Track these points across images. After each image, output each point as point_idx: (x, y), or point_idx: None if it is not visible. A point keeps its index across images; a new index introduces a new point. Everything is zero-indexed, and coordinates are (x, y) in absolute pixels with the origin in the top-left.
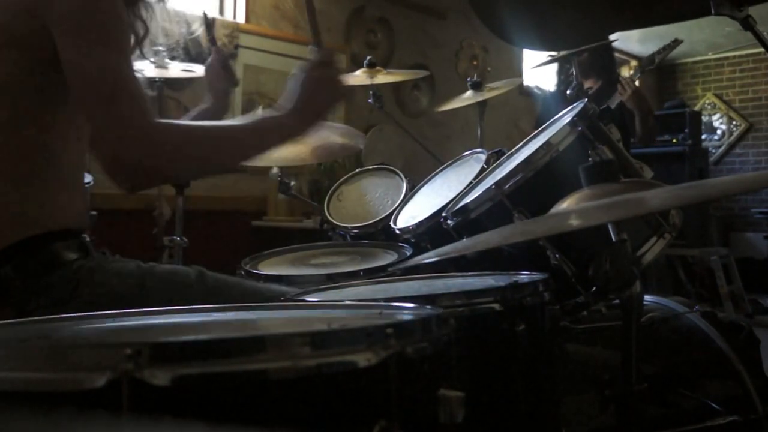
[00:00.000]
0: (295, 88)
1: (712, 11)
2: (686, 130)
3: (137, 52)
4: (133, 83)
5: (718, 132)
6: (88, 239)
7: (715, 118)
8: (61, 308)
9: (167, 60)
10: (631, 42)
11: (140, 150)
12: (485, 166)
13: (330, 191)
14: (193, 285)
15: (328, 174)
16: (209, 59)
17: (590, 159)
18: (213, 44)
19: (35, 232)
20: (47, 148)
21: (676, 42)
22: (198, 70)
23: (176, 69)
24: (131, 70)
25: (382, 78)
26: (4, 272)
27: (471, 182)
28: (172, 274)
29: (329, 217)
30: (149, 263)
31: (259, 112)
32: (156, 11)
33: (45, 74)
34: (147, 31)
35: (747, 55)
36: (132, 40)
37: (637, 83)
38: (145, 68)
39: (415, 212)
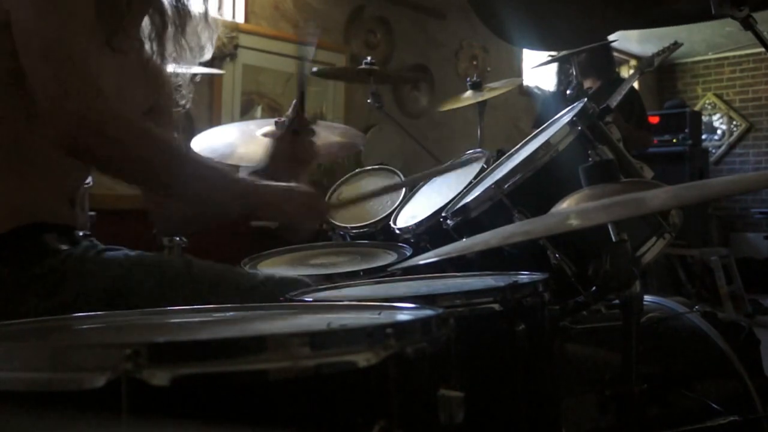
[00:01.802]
0: (294, 189)
1: (712, 11)
2: (686, 130)
3: (159, 49)
4: (87, 62)
5: (719, 132)
6: (80, 234)
7: (715, 118)
8: (50, 299)
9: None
10: (631, 42)
11: (94, 135)
12: (485, 166)
13: (330, 191)
14: (180, 274)
15: (327, 174)
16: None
17: (590, 159)
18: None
19: (24, 223)
20: (34, 140)
21: (676, 45)
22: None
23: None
24: (85, 45)
25: (382, 78)
26: None
27: (471, 182)
28: (158, 263)
29: (329, 218)
30: (137, 252)
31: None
32: (189, 15)
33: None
34: (165, 27)
35: (747, 55)
36: (149, 29)
37: (638, 85)
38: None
39: (414, 212)
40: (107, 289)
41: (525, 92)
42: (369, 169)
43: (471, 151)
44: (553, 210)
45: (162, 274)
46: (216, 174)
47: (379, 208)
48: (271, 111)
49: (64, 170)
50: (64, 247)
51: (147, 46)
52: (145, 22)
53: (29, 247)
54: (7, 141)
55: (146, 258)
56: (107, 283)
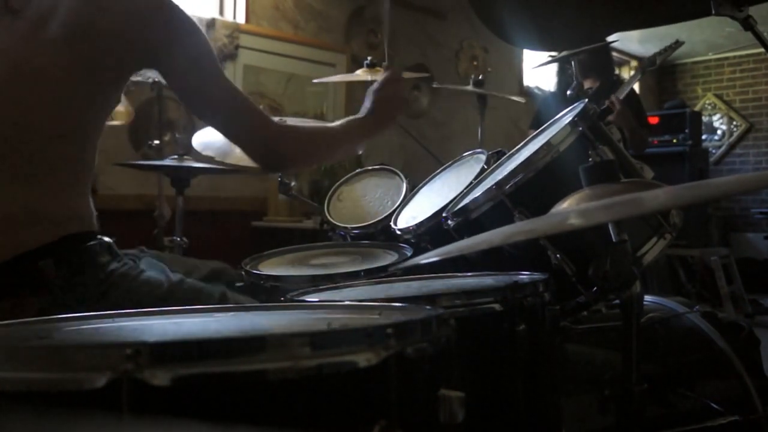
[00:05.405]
0: (370, 100)
1: (713, 11)
2: (686, 131)
3: None
4: (243, 95)
5: (719, 132)
6: (113, 241)
7: (715, 118)
8: (89, 308)
9: None
10: (632, 42)
11: (275, 150)
12: (485, 167)
13: (330, 191)
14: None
15: (328, 174)
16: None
17: (590, 159)
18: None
19: (72, 232)
20: (85, 158)
21: (678, 43)
22: None
23: None
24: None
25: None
26: (45, 264)
27: (471, 182)
28: (197, 292)
29: (329, 218)
30: (178, 276)
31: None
32: None
33: (100, 93)
34: None
35: (747, 56)
36: None
37: (638, 85)
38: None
39: (415, 212)
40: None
41: (525, 92)
42: (370, 169)
43: (471, 152)
44: (554, 210)
45: (200, 299)
46: (347, 136)
47: (379, 209)
48: (272, 111)
49: (90, 177)
50: (108, 258)
51: None
52: None
53: (78, 255)
54: (69, 160)
55: (186, 284)
56: (149, 301)
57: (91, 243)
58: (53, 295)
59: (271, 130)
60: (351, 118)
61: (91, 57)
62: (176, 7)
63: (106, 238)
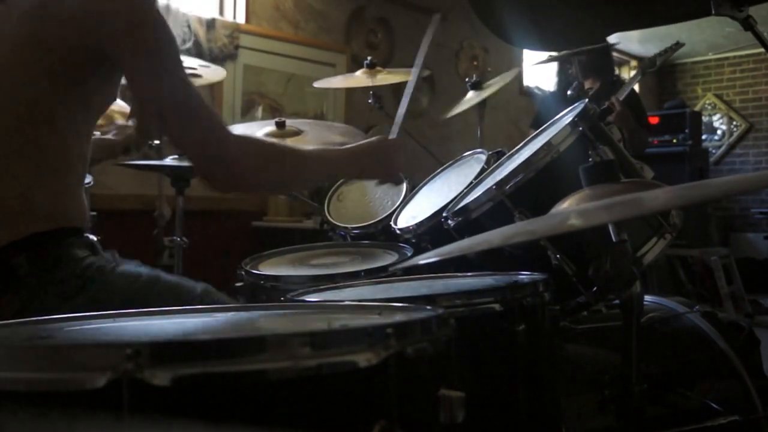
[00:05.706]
0: (366, 143)
1: (713, 11)
2: (686, 131)
3: None
4: (201, 98)
5: (719, 132)
6: (95, 239)
7: (715, 118)
8: (67, 303)
9: None
10: (632, 42)
11: (224, 159)
12: (485, 167)
13: (330, 192)
14: (197, 297)
15: None
16: None
17: (590, 159)
18: None
19: (49, 227)
20: (66, 149)
21: (678, 45)
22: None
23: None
24: (192, 85)
25: (382, 78)
26: (18, 262)
27: (471, 182)
28: (178, 285)
29: (329, 218)
30: (157, 270)
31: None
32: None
33: (77, 81)
34: None
35: (747, 56)
36: None
37: (638, 85)
38: None
39: (415, 212)
40: (124, 301)
41: (525, 92)
42: None
43: (471, 152)
44: (554, 210)
45: (180, 294)
46: (318, 163)
47: (379, 208)
48: (272, 111)
49: (81, 173)
50: (86, 253)
51: None
52: None
53: (54, 251)
54: (44, 150)
55: (165, 277)
56: (125, 294)
57: (68, 239)
58: (30, 292)
59: (224, 138)
60: (329, 148)
61: (45, 44)
62: None
63: (92, 237)
